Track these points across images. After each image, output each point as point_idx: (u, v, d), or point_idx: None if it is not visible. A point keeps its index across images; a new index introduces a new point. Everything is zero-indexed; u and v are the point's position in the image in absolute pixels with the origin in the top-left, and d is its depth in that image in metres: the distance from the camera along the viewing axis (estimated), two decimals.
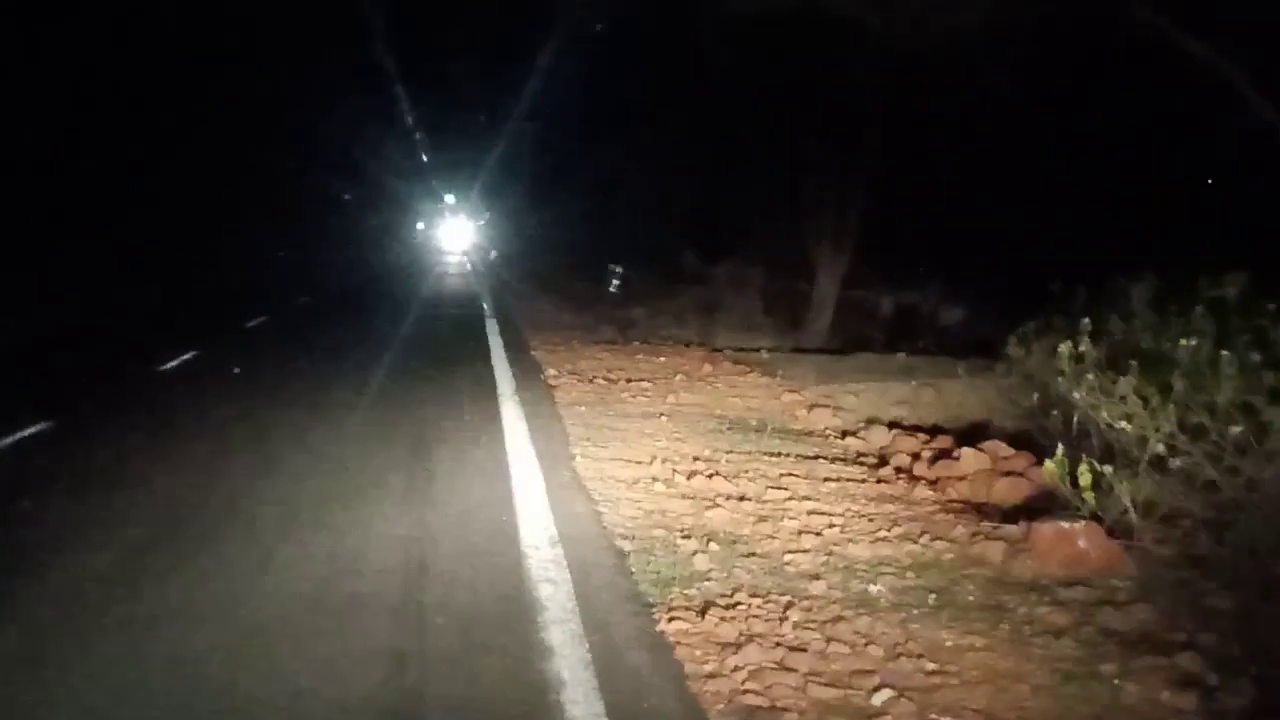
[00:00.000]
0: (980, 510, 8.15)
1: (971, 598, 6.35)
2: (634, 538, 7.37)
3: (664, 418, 11.71)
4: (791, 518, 7.89)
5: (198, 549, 7.15)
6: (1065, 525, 6.92)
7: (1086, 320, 8.37)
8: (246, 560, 6.93)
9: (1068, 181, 18.30)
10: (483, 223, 61.50)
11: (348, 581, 6.49)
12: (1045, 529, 6.98)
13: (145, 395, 13.50)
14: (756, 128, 22.26)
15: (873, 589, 6.45)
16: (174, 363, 15.86)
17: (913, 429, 11.20)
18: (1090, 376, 7.99)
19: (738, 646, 5.51)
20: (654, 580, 6.55)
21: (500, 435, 10.63)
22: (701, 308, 22.89)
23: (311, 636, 5.66)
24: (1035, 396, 9.86)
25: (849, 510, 8.12)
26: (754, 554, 7.09)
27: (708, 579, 6.58)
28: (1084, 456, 7.37)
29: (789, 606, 6.09)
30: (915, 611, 6.09)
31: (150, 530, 7.58)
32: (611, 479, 8.99)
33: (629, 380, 14.16)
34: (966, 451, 9.41)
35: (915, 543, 7.32)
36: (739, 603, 6.16)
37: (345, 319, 24.18)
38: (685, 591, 6.35)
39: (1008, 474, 8.91)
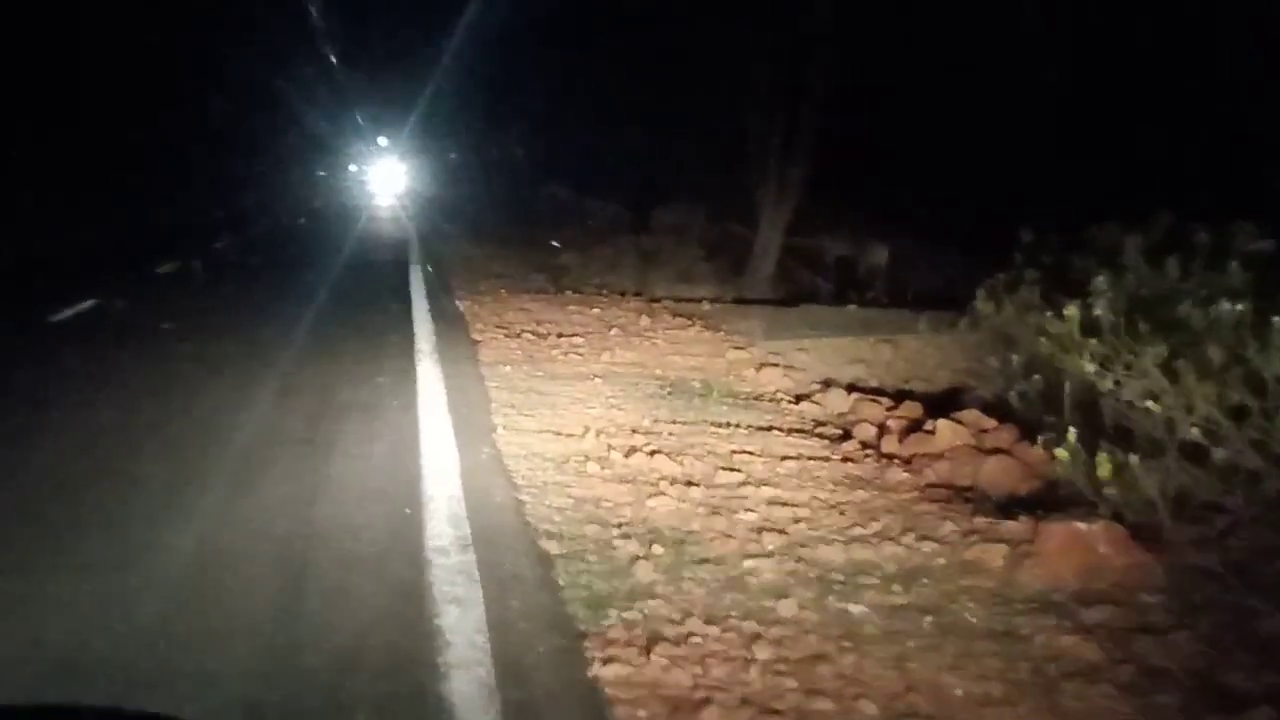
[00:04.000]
0: (967, 499, 6.97)
1: (975, 620, 5.16)
2: (562, 537, 6.13)
3: (598, 379, 10.51)
4: (748, 509, 6.68)
5: (40, 546, 5.92)
6: (1081, 526, 5.76)
7: (1101, 279, 7.16)
8: (87, 565, 5.67)
9: (1035, 112, 17.08)
10: (423, 162, 59.91)
11: (203, 602, 5.23)
12: (1056, 529, 5.82)
13: (29, 349, 12.14)
14: (697, 63, 21.12)
15: (854, 610, 5.24)
16: (69, 312, 14.53)
17: (874, 392, 10.04)
18: (1094, 343, 6.85)
19: (694, 707, 4.26)
20: (586, 599, 5.31)
21: (414, 402, 9.37)
22: (638, 255, 21.67)
23: (140, 685, 4.43)
24: (1015, 359, 8.76)
25: (815, 499, 6.92)
26: (707, 560, 5.86)
27: (652, 596, 5.35)
28: (1102, 442, 6.23)
29: (755, 639, 4.86)
30: (910, 644, 4.88)
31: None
32: (538, 457, 7.76)
33: (560, 335, 12.93)
34: (942, 424, 8.24)
35: (898, 543, 6.11)
36: (692, 633, 4.91)
37: (264, 266, 22.71)
38: (625, 615, 5.10)
39: (993, 451, 7.76)
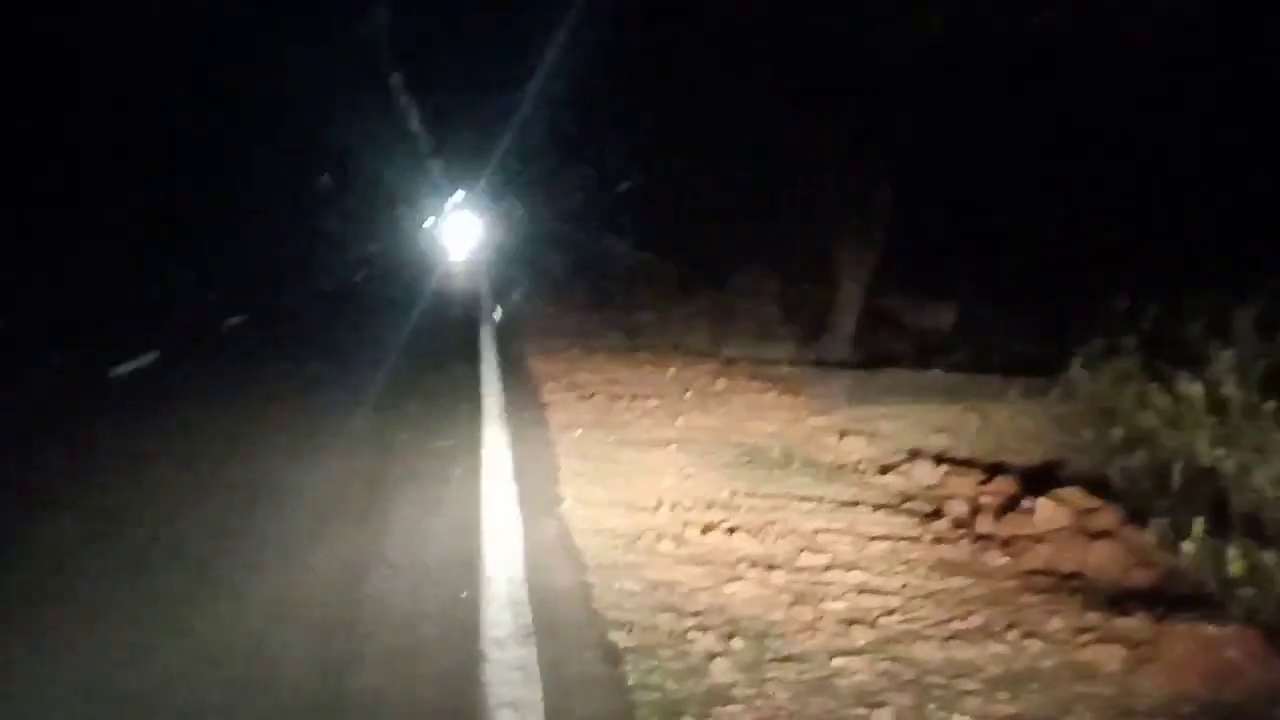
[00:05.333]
0: (1074, 589, 6.36)
1: None
2: (633, 627, 5.59)
3: (673, 446, 10.00)
4: (835, 597, 6.12)
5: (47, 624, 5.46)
6: (1210, 629, 5.18)
7: (1228, 354, 6.60)
8: (109, 645, 5.24)
9: (1124, 171, 16.39)
10: (499, 216, 59.88)
11: (226, 700, 4.75)
12: (1181, 631, 5.25)
13: (84, 405, 11.85)
14: (772, 121, 20.67)
15: None
16: (130, 366, 14.25)
17: (964, 464, 9.44)
18: (1214, 421, 6.29)
19: None
20: (657, 703, 4.75)
21: (478, 470, 8.91)
22: (714, 314, 21.14)
23: None
24: (1117, 434, 8.25)
25: (907, 586, 6.35)
26: (790, 657, 5.30)
27: (731, 700, 4.79)
28: (1233, 535, 5.66)
29: None
30: None
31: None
32: (608, 534, 7.24)
33: (634, 397, 12.45)
34: (1043, 503, 7.65)
35: (1001, 640, 5.52)
36: None
37: (331, 321, 22.41)
38: None
39: (1097, 535, 7.17)
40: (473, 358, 15.94)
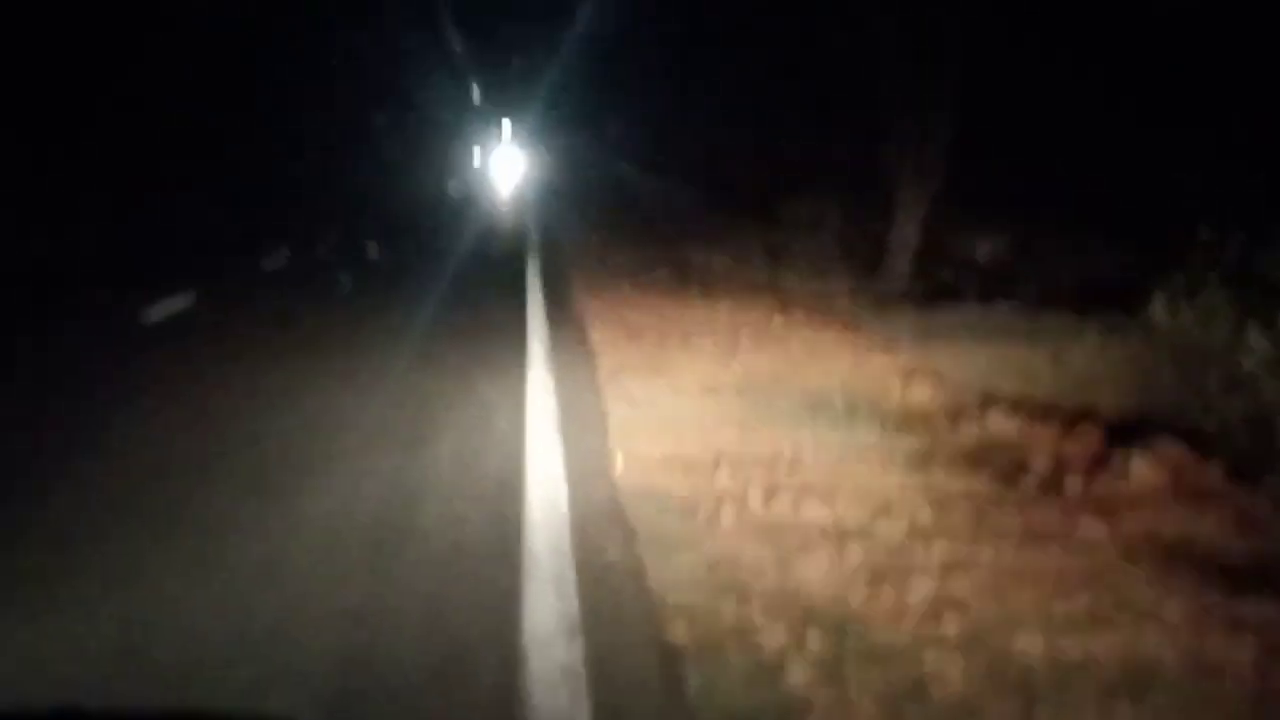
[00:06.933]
0: (1183, 562, 5.66)
1: None
2: (694, 618, 4.88)
3: (729, 392, 9.43)
4: (919, 573, 5.44)
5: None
6: None
7: None
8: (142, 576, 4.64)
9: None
10: (546, 152, 59.73)
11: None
12: None
13: (114, 357, 11.29)
14: (827, 53, 20.05)
15: None
16: (164, 311, 13.71)
17: (1042, 412, 8.72)
18: None
19: None
20: None
21: (521, 423, 8.32)
22: (767, 248, 20.42)
23: None
24: (1212, 377, 7.62)
25: (999, 561, 5.64)
26: (875, 654, 4.58)
27: (810, 713, 4.08)
28: None
29: None
30: None
31: None
32: (663, 498, 6.58)
33: (686, 337, 11.86)
34: (1137, 461, 6.97)
35: (1111, 628, 4.78)
36: None
37: (376, 257, 21.86)
38: None
39: (1200, 496, 6.50)
40: (519, 294, 15.37)
